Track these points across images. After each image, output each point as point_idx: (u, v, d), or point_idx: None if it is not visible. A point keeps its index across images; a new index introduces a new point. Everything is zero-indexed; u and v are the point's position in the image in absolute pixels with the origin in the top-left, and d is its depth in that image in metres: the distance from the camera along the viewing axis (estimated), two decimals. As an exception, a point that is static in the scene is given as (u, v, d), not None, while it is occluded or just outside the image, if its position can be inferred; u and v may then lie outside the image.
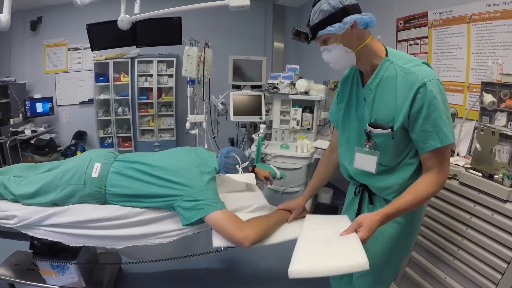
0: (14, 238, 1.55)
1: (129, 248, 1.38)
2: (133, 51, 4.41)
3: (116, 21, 2.25)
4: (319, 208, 3.01)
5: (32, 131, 4.09)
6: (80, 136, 4.60)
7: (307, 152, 2.69)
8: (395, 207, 1.02)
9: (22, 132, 3.96)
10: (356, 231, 0.98)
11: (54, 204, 1.42)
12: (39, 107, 4.32)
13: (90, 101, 4.59)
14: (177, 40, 2.77)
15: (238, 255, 2.37)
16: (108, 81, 4.44)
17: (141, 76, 4.54)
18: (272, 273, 2.17)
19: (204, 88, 2.88)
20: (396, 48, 2.70)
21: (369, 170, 1.17)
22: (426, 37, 2.48)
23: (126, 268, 2.11)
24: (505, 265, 1.37)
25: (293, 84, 2.94)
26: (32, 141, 4.10)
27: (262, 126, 2.70)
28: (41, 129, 4.29)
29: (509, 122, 1.73)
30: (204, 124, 2.87)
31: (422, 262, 1.78)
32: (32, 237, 1.46)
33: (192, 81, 2.79)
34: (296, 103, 2.94)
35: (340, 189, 3.51)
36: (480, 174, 1.52)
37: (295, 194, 2.70)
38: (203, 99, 2.91)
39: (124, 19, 2.22)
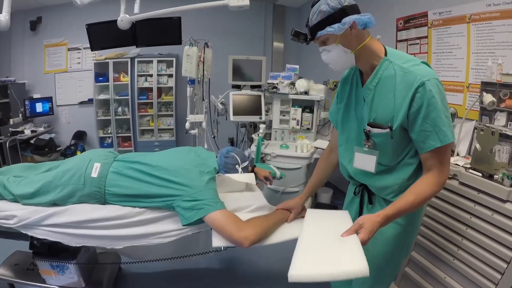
0: (14, 238, 1.55)
1: (129, 248, 1.37)
2: (132, 51, 4.41)
3: (115, 21, 2.24)
4: (319, 208, 3.00)
5: (32, 131, 4.09)
6: (80, 136, 4.60)
7: (306, 152, 2.69)
8: (396, 208, 1.02)
9: (22, 132, 3.95)
10: (356, 232, 0.98)
11: (54, 204, 1.42)
12: (39, 107, 4.32)
13: (90, 101, 4.59)
14: (176, 40, 2.77)
15: (237, 255, 2.37)
16: (108, 81, 4.43)
17: (141, 76, 4.54)
18: (272, 273, 2.17)
19: (203, 88, 2.88)
20: (396, 48, 2.70)
21: (368, 169, 1.17)
22: (426, 37, 2.48)
23: (126, 268, 2.11)
24: (505, 265, 1.37)
25: (292, 84, 2.94)
26: (32, 141, 4.09)
27: (262, 126, 2.70)
28: (41, 129, 4.29)
29: (509, 122, 1.73)
30: (203, 124, 2.87)
31: (422, 262, 1.78)
32: (31, 237, 1.45)
33: (192, 81, 2.79)
34: (295, 103, 2.94)
35: (340, 189, 3.51)
36: (480, 174, 1.52)
37: (294, 194, 2.70)
38: (203, 99, 2.91)
39: (123, 19, 2.21)
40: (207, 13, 4.36)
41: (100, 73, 4.44)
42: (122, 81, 4.49)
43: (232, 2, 2.04)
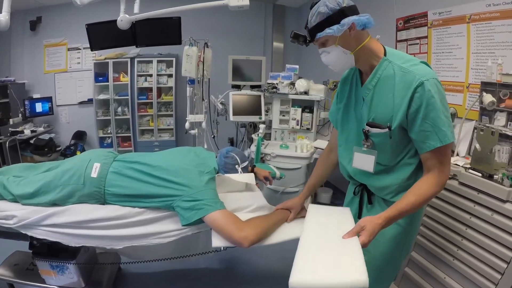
0: (14, 238, 1.55)
1: (129, 248, 1.37)
2: (132, 51, 4.41)
3: (115, 21, 2.24)
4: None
5: (32, 131, 4.09)
6: (80, 136, 4.60)
7: (306, 152, 2.69)
8: (397, 210, 1.02)
9: (22, 132, 3.95)
10: (358, 234, 0.98)
11: (54, 204, 1.42)
12: (39, 107, 4.32)
13: (90, 101, 4.59)
14: (176, 40, 2.77)
15: (237, 255, 2.37)
16: (108, 81, 4.43)
17: (141, 76, 4.54)
18: (272, 273, 2.17)
19: (203, 88, 2.88)
20: (396, 48, 2.70)
21: (367, 169, 1.17)
22: (426, 37, 2.48)
23: (126, 268, 2.11)
24: (504, 265, 1.37)
25: (292, 84, 2.94)
26: (32, 141, 4.09)
27: (262, 126, 2.69)
28: (41, 129, 4.29)
29: (509, 122, 1.73)
30: (203, 124, 2.87)
31: (422, 262, 1.78)
32: (31, 237, 1.45)
33: (192, 81, 2.79)
34: (295, 103, 2.94)
35: (340, 189, 3.51)
36: (480, 174, 1.52)
37: (294, 194, 2.70)
38: (203, 99, 2.91)
39: (123, 19, 2.21)
40: (207, 13, 4.36)
41: (100, 73, 4.44)
42: (122, 81, 4.49)
43: (232, 2, 2.04)
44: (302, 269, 0.87)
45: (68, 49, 4.58)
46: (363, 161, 1.17)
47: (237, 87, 3.06)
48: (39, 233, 1.39)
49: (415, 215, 1.23)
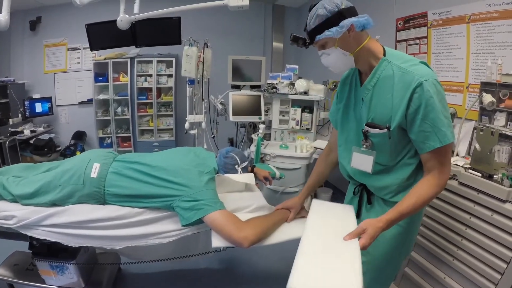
0: (13, 238, 1.55)
1: (128, 248, 1.37)
2: (132, 51, 4.41)
3: (115, 21, 2.24)
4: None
5: (31, 131, 4.08)
6: (79, 136, 4.60)
7: (306, 152, 2.69)
8: (398, 212, 1.02)
9: (21, 132, 3.95)
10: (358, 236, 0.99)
11: (53, 204, 1.42)
12: (38, 107, 4.32)
13: (89, 101, 4.58)
14: (176, 40, 2.77)
15: (237, 255, 2.37)
16: (107, 81, 4.43)
17: (140, 76, 4.54)
18: (272, 273, 2.17)
19: (203, 88, 2.88)
20: (396, 48, 2.70)
21: (365, 170, 1.17)
22: (426, 37, 2.48)
23: (125, 268, 2.11)
24: (504, 265, 1.37)
25: (292, 84, 2.94)
26: (31, 141, 4.09)
27: (262, 126, 2.69)
28: (40, 129, 4.28)
29: (509, 122, 1.74)
30: (203, 124, 2.86)
31: (422, 262, 1.78)
32: (31, 237, 1.45)
33: (191, 81, 2.79)
34: (295, 103, 2.94)
35: (340, 189, 3.51)
36: (480, 174, 1.52)
37: (294, 194, 2.70)
38: (202, 99, 2.90)
39: (123, 19, 2.21)
40: (207, 13, 4.36)
41: (100, 73, 4.44)
42: (121, 81, 4.49)
43: (231, 2, 2.04)
44: (301, 272, 0.87)
45: (68, 49, 4.57)
46: (362, 161, 1.17)
47: (237, 87, 3.06)
48: (39, 233, 1.39)
49: (415, 215, 1.23)
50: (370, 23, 1.03)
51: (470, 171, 1.57)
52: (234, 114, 2.89)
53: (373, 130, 1.11)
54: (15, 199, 1.45)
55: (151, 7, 2.21)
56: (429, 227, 1.76)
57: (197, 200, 1.30)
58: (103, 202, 1.44)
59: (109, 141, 4.72)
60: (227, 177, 1.60)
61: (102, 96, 4.52)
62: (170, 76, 4.59)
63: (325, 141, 2.81)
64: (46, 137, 4.25)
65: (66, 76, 4.64)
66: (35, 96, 4.38)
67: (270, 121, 3.06)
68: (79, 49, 4.58)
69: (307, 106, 2.92)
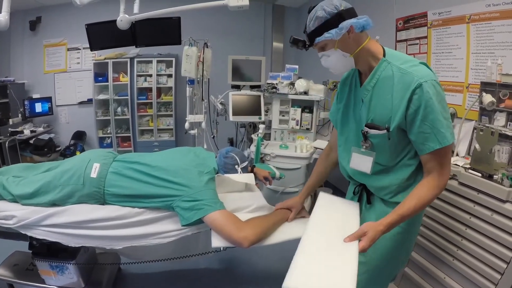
0: (13, 238, 1.55)
1: (128, 248, 1.37)
2: (132, 51, 4.41)
3: (115, 21, 2.24)
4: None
5: (31, 131, 4.09)
6: (79, 136, 4.60)
7: (306, 152, 2.69)
8: (399, 215, 1.02)
9: (21, 132, 3.95)
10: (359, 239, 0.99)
11: (53, 204, 1.42)
12: (38, 107, 4.32)
13: (89, 101, 4.58)
14: (176, 40, 2.77)
15: (237, 255, 2.37)
16: (107, 81, 4.43)
17: (140, 76, 4.54)
18: (272, 273, 2.17)
19: (203, 88, 2.88)
20: (396, 48, 2.70)
21: (364, 170, 1.17)
22: (426, 37, 2.48)
23: (125, 268, 2.11)
24: (504, 265, 1.37)
25: (292, 84, 2.93)
26: (31, 141, 4.09)
27: (261, 126, 2.69)
28: (40, 129, 4.28)
29: (509, 122, 1.74)
30: (203, 124, 2.86)
31: (422, 262, 1.78)
32: (31, 237, 1.45)
33: (191, 81, 2.79)
34: (295, 103, 2.94)
35: (340, 189, 3.51)
36: (480, 174, 1.52)
37: (294, 194, 2.70)
38: (202, 99, 2.90)
39: (123, 19, 2.21)
40: (207, 13, 4.36)
41: (100, 73, 4.44)
42: (121, 81, 4.49)
43: (231, 2, 2.04)
44: (298, 272, 0.87)
45: (68, 49, 4.58)
46: (361, 162, 1.17)
47: (237, 87, 3.06)
48: (38, 233, 1.39)
49: (415, 216, 1.23)
50: (370, 24, 1.03)
51: (470, 171, 1.57)
52: (234, 114, 2.89)
53: (372, 131, 1.11)
54: (15, 199, 1.45)
55: (151, 7, 2.21)
56: (429, 227, 1.76)
57: (197, 200, 1.30)
58: (103, 202, 1.44)
59: (109, 141, 4.72)
60: (227, 177, 1.60)
61: (102, 96, 4.52)
62: (170, 76, 4.59)
63: (325, 141, 2.81)
64: (46, 137, 4.25)
65: (66, 76, 4.64)
66: (35, 96, 4.38)
67: (270, 121, 3.06)
68: (79, 49, 4.59)
69: (307, 106, 2.92)
